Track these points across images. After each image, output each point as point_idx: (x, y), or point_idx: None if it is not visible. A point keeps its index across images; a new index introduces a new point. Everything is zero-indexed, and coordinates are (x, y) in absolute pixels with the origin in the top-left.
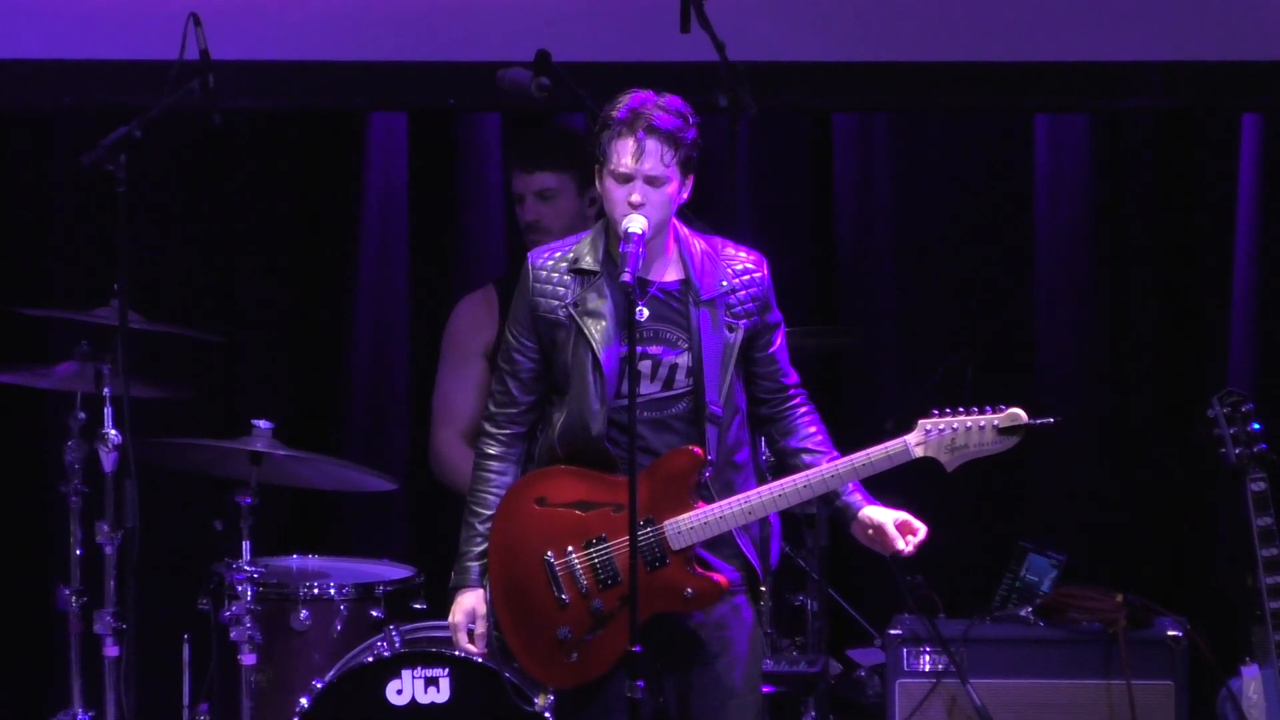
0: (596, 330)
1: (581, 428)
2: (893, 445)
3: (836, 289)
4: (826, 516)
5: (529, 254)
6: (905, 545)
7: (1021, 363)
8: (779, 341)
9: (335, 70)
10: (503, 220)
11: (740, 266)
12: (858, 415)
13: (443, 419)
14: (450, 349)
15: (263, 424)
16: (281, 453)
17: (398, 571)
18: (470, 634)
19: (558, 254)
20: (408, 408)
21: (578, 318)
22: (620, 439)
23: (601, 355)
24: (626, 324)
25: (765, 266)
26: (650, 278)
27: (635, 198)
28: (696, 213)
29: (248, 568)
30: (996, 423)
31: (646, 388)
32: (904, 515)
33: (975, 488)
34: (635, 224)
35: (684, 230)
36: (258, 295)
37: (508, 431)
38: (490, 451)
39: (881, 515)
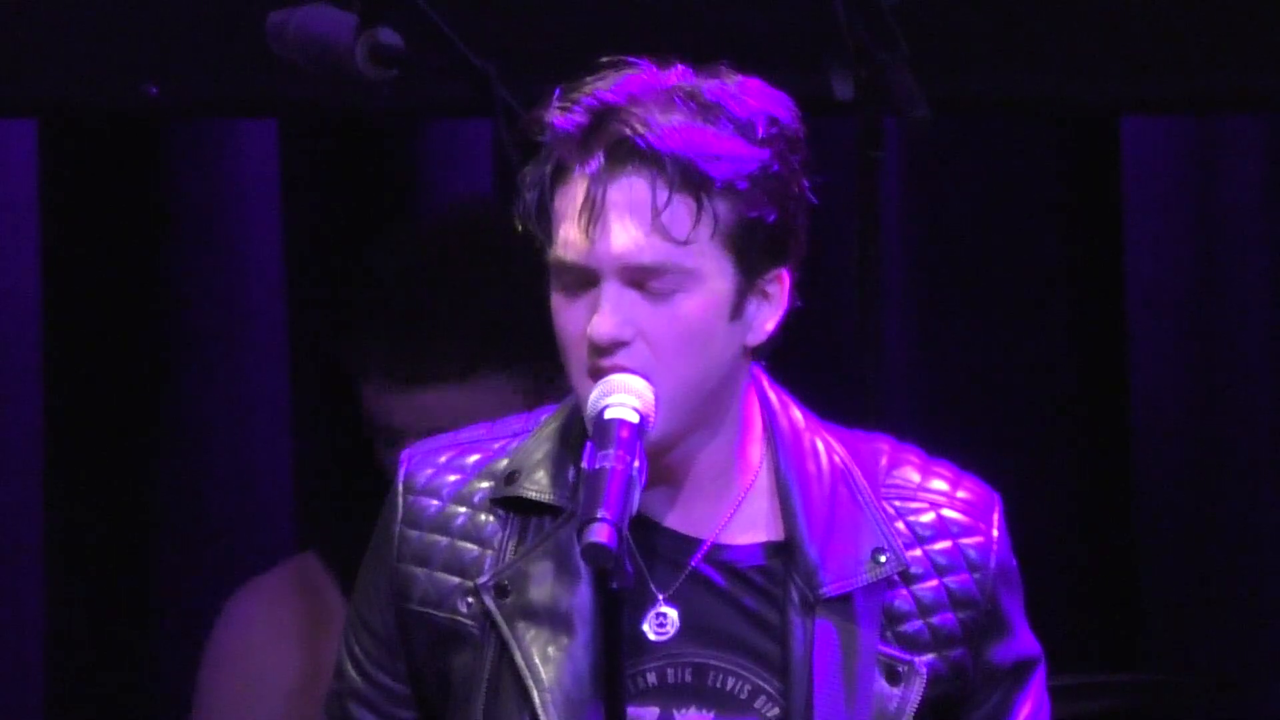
0: (544, 657)
1: None
2: None
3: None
4: None
5: (403, 454)
6: None
7: None
8: (1025, 704)
9: None
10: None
11: (929, 517)
12: None
13: None
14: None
15: None
16: None
17: None
18: None
19: (467, 459)
20: None
21: (502, 622)
22: None
23: None
24: (607, 650)
25: (994, 516)
26: (686, 530)
27: (603, 327)
28: None
29: None
30: None
31: None
32: None
33: None
34: (615, 404)
35: (782, 410)
36: None
37: None
38: None
39: None
